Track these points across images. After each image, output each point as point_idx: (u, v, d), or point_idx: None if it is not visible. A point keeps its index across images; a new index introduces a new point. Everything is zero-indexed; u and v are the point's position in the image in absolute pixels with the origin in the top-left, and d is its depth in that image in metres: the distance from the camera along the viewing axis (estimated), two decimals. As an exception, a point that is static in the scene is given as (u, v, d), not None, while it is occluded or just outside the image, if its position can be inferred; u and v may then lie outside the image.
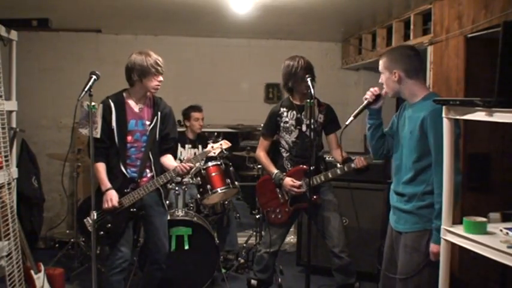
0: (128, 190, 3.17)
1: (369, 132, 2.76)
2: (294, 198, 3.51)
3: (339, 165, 3.39)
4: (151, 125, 3.24)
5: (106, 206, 3.10)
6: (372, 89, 2.65)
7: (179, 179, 4.54)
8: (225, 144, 3.30)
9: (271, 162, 3.60)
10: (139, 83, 3.17)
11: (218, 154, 3.35)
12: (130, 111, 3.21)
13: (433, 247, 2.37)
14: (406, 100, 2.58)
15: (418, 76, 2.52)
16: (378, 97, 2.65)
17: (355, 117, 2.69)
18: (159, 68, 3.17)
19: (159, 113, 3.28)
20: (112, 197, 3.10)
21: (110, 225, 3.14)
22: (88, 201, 3.17)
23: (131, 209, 3.19)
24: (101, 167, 3.15)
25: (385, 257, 2.71)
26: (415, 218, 2.46)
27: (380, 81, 2.61)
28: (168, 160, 3.35)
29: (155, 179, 3.20)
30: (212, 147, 3.27)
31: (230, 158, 4.87)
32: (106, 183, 3.13)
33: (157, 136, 3.26)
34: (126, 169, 3.18)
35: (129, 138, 3.18)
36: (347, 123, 2.69)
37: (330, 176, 3.37)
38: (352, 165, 3.26)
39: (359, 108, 2.70)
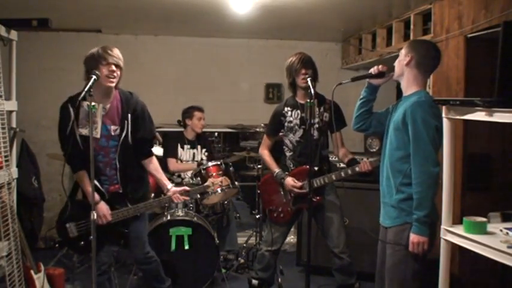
0: (118, 207, 3.04)
1: (358, 102, 2.81)
2: (296, 198, 3.50)
3: (341, 164, 3.39)
4: (123, 131, 2.99)
5: (100, 222, 2.92)
6: (379, 66, 2.71)
7: (180, 179, 4.56)
8: (225, 181, 3.48)
9: (274, 161, 3.60)
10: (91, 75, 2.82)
11: (215, 190, 3.54)
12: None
13: (413, 237, 2.38)
14: (402, 90, 2.61)
15: (424, 73, 2.53)
16: (380, 74, 2.69)
17: (352, 80, 2.77)
18: (105, 55, 2.84)
19: (129, 116, 2.99)
20: (105, 213, 2.96)
21: (91, 237, 2.89)
22: (71, 206, 3.10)
23: (117, 228, 3.06)
24: (84, 177, 2.97)
25: (378, 254, 2.75)
26: (395, 212, 2.50)
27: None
28: (156, 172, 3.16)
29: (147, 202, 3.08)
30: (212, 183, 3.35)
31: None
32: (95, 196, 2.84)
33: (129, 141, 3.02)
34: (100, 182, 3.01)
35: (94, 145, 2.85)
36: (343, 82, 2.75)
37: (334, 178, 3.38)
38: (357, 168, 3.27)
39: (359, 75, 2.78)
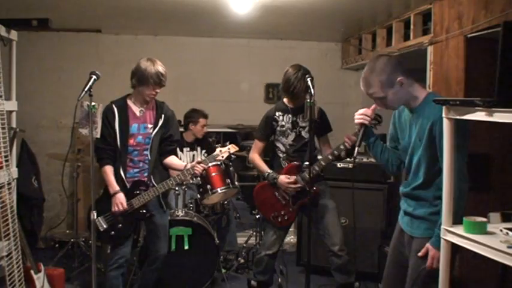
0: (138, 192, 3.24)
1: (371, 152, 2.68)
2: (295, 196, 3.51)
3: (341, 164, 3.38)
4: (156, 128, 3.31)
5: (116, 209, 3.18)
6: (360, 112, 2.56)
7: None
8: (232, 148, 3.39)
9: (264, 163, 3.62)
10: (137, 87, 3.26)
11: (226, 158, 3.45)
12: (132, 116, 3.28)
13: (434, 252, 2.31)
14: (406, 105, 2.47)
15: (412, 74, 2.44)
16: (377, 118, 2.65)
17: (359, 146, 2.59)
18: (157, 80, 3.20)
19: (162, 116, 3.35)
20: (121, 201, 3.18)
21: (121, 225, 3.23)
22: (99, 201, 3.26)
23: (141, 211, 3.26)
24: (109, 170, 3.22)
25: (389, 258, 2.68)
26: (426, 223, 2.42)
27: (377, 106, 2.50)
28: (175, 160, 3.45)
29: (167, 180, 3.26)
30: (220, 151, 3.34)
31: (230, 158, 4.86)
32: (114, 186, 3.20)
33: (159, 138, 3.33)
34: (125, 173, 3.25)
35: (131, 141, 3.26)
36: (355, 155, 2.59)
37: (323, 163, 3.36)
38: (342, 146, 3.20)
39: (359, 136, 2.59)
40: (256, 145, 3.68)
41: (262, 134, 3.65)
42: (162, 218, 3.42)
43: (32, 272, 3.40)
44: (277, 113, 3.59)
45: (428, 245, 2.35)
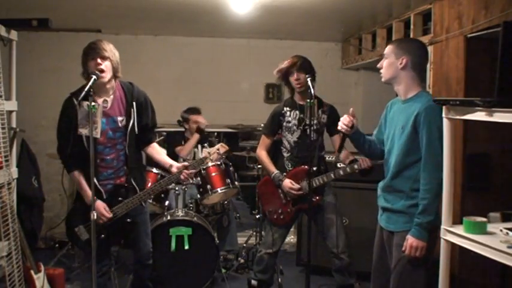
0: (121, 199, 2.98)
1: (361, 151, 2.80)
2: (296, 199, 3.50)
3: (341, 165, 3.38)
4: (130, 121, 2.96)
5: (101, 221, 2.88)
6: (343, 121, 2.60)
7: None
8: (222, 148, 3.16)
9: (271, 162, 3.59)
10: (86, 71, 2.88)
11: (216, 159, 3.24)
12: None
13: (412, 241, 2.35)
14: (398, 94, 2.57)
15: (420, 72, 2.51)
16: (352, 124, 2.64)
17: (339, 151, 2.79)
18: (89, 50, 2.85)
19: (134, 104, 2.97)
20: (101, 211, 2.88)
21: (103, 235, 2.96)
22: (75, 210, 3.10)
23: (127, 220, 3.01)
24: (80, 176, 2.90)
25: (374, 257, 2.74)
26: (405, 217, 2.46)
27: (378, 65, 2.59)
28: (158, 154, 3.15)
29: (152, 186, 3.06)
30: (208, 153, 3.12)
31: (230, 158, 4.86)
32: (90, 195, 2.77)
33: (135, 130, 2.99)
34: (97, 176, 2.89)
35: (101, 139, 2.89)
36: (335, 160, 2.83)
37: (333, 176, 3.36)
38: (356, 166, 3.23)
39: (340, 143, 2.70)
40: (264, 141, 3.64)
41: (269, 129, 3.62)
42: (143, 217, 3.15)
43: (32, 272, 3.40)
44: (285, 108, 3.56)
45: (407, 235, 2.38)
